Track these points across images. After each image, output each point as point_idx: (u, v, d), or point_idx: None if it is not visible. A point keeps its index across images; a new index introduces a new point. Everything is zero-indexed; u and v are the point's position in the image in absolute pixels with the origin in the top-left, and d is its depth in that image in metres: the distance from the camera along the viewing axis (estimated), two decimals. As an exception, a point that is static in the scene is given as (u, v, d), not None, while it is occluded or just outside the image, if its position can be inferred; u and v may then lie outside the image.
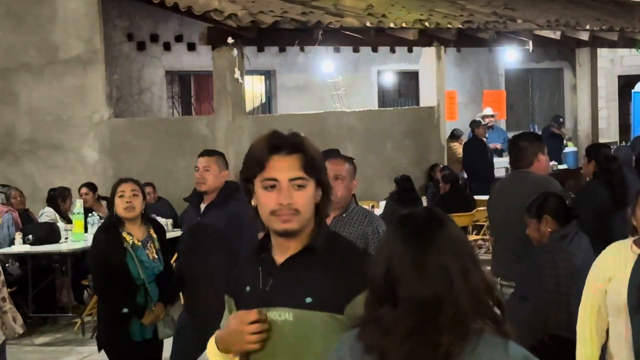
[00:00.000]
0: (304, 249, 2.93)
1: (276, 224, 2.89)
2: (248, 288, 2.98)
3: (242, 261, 3.28)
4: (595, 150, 8.12)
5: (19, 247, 10.52)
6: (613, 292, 4.45)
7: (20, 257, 10.72)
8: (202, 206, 6.35)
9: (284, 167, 2.89)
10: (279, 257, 2.95)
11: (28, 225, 11.25)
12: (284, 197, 2.87)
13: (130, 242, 6.05)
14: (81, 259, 10.48)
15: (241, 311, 2.92)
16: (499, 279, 6.20)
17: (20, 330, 6.02)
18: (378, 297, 2.44)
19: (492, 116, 17.21)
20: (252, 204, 2.96)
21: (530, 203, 5.60)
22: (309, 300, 2.85)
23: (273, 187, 2.89)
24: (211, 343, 3.01)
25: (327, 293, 2.85)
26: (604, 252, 4.63)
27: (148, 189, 10.99)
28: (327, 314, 2.84)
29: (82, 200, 11.27)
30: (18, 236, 10.69)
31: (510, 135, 18.44)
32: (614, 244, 4.65)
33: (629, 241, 4.58)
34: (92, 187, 11.89)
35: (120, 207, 6.04)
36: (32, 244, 10.43)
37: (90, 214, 10.93)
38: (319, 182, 2.95)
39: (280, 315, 2.88)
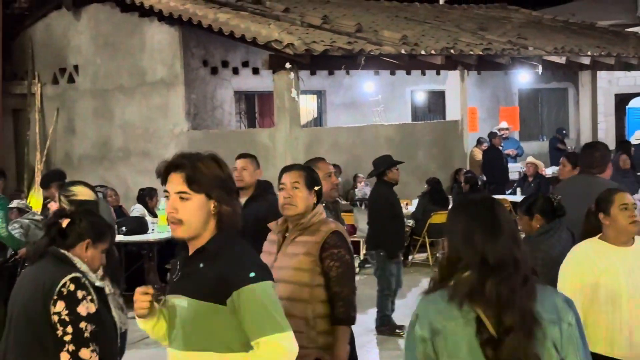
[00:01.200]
0: (197, 249, 3.04)
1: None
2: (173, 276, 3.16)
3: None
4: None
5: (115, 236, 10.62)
6: (610, 284, 4.26)
7: (116, 245, 10.82)
8: (242, 200, 6.25)
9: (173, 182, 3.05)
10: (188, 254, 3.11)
11: (121, 219, 11.34)
12: (170, 207, 3.05)
13: None
14: (165, 246, 10.56)
15: (141, 287, 3.06)
16: None
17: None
18: (463, 265, 2.58)
19: (507, 129, 17.10)
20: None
21: (523, 201, 5.47)
22: (194, 292, 2.99)
23: (167, 197, 3.08)
24: None
25: (210, 287, 2.97)
26: (581, 250, 4.41)
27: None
28: (208, 303, 2.97)
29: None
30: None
31: (522, 144, 18.33)
32: (586, 242, 4.43)
33: (595, 238, 4.42)
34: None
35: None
36: (124, 234, 10.53)
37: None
38: (208, 196, 3.01)
39: (179, 302, 3.03)
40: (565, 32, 19.08)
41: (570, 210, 5.17)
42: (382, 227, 8.58)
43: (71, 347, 3.48)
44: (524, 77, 17.58)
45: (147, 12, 13.41)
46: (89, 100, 14.83)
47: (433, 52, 13.46)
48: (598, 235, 4.43)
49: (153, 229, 10.81)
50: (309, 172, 4.36)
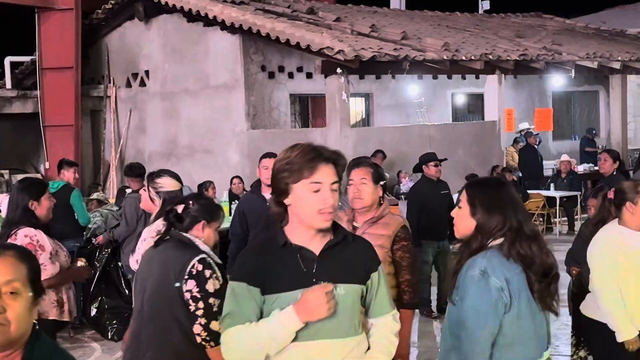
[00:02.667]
0: (335, 237, 2.86)
1: (320, 222, 2.77)
2: (282, 274, 2.78)
3: (257, 253, 2.90)
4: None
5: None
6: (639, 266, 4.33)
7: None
8: (267, 195, 5.95)
9: (329, 173, 2.79)
10: (314, 248, 2.81)
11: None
12: (327, 199, 2.77)
13: None
14: (225, 236, 10.62)
15: (317, 287, 2.69)
16: None
17: None
18: (500, 233, 3.01)
19: (529, 128, 16.83)
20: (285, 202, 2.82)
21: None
22: (348, 277, 2.83)
23: (317, 190, 2.75)
24: (284, 317, 2.70)
25: (357, 271, 2.87)
26: (612, 236, 4.43)
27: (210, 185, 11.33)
28: (360, 286, 2.88)
29: (228, 191, 11.37)
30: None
31: (555, 143, 18.04)
32: (612, 229, 4.46)
33: (618, 225, 4.46)
34: (241, 179, 11.98)
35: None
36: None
37: (235, 201, 11.04)
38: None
39: (336, 288, 2.77)
40: (597, 38, 18.75)
41: None
42: (412, 217, 8.44)
43: (203, 320, 3.61)
44: (557, 81, 17.33)
45: (211, 22, 13.49)
46: (158, 102, 14.99)
47: (473, 57, 13.33)
48: (616, 222, 4.48)
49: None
50: (375, 168, 4.39)
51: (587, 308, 4.63)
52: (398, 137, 13.68)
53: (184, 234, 3.82)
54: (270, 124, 14.18)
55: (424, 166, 8.70)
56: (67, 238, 7.35)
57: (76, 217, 8.52)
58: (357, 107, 16.03)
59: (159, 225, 4.41)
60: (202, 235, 3.85)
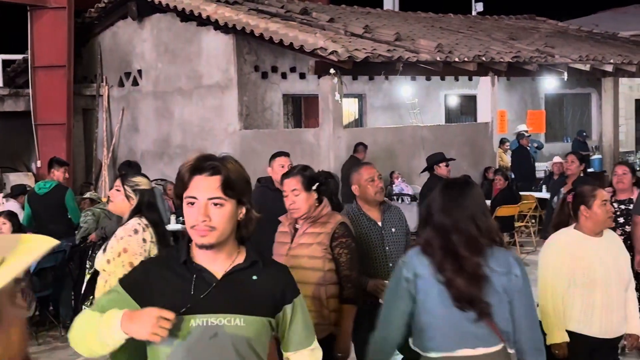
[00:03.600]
0: (243, 262, 2.58)
1: (195, 238, 2.52)
2: (167, 292, 2.50)
3: (152, 264, 2.69)
4: None
5: (174, 225, 10.70)
6: (586, 270, 4.38)
7: (174, 233, 10.90)
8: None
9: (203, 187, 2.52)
10: (217, 269, 2.54)
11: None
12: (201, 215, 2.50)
13: None
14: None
15: (157, 309, 2.40)
16: None
17: None
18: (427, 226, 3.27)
19: (526, 131, 16.86)
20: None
21: None
22: (250, 308, 2.54)
23: (192, 204, 2.52)
24: (113, 316, 2.47)
25: (265, 301, 2.59)
26: (562, 239, 4.50)
27: None
28: (263, 319, 2.58)
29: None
30: (172, 217, 10.87)
31: (548, 145, 18.09)
32: (565, 233, 4.53)
33: (571, 229, 4.52)
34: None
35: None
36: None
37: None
38: (239, 202, 2.57)
39: (230, 320, 2.49)
40: (589, 41, 18.80)
41: None
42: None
43: None
44: (550, 83, 17.35)
45: (204, 22, 13.47)
46: (151, 101, 14.95)
47: (466, 59, 13.34)
48: (572, 226, 4.54)
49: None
50: (304, 175, 4.45)
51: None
52: (391, 137, 13.68)
53: None
54: (263, 124, 14.16)
55: (435, 166, 8.77)
56: (60, 238, 7.32)
57: (69, 217, 8.52)
58: (350, 107, 16.02)
59: (135, 224, 4.48)
60: None
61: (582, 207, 4.46)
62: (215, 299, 2.50)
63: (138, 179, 4.82)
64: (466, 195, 3.23)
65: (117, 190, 4.79)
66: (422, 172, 9.75)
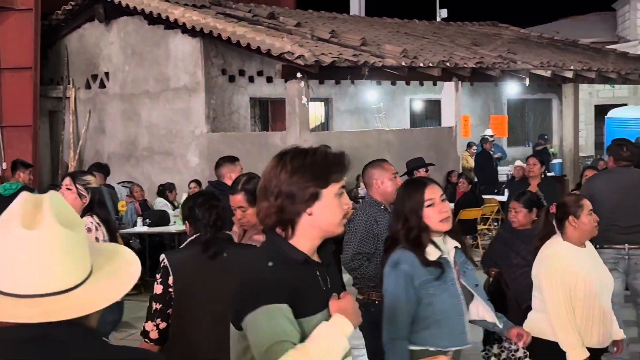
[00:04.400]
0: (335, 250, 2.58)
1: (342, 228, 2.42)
2: (308, 293, 2.33)
3: (285, 270, 2.32)
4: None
5: (140, 228, 10.65)
6: (587, 282, 4.27)
7: (140, 235, 10.86)
8: None
9: None
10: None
11: (146, 211, 11.37)
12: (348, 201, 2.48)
13: None
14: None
15: (345, 299, 2.35)
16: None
17: None
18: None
19: (492, 136, 17.05)
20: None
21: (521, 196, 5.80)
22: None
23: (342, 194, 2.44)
24: (341, 323, 2.31)
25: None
26: (557, 252, 4.35)
27: None
28: None
29: (188, 193, 11.33)
30: (139, 220, 10.82)
31: (509, 149, 18.30)
32: (558, 244, 4.37)
33: (561, 240, 4.38)
34: (199, 182, 11.96)
35: None
36: (149, 226, 10.55)
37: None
38: None
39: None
40: (551, 48, 19.04)
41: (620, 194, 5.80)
42: None
43: None
44: (512, 88, 17.55)
45: (172, 25, 13.41)
46: (118, 104, 14.84)
47: (430, 64, 13.44)
48: (559, 237, 4.40)
49: (175, 222, 10.82)
50: (247, 190, 4.22)
51: (534, 327, 4.38)
52: (357, 141, 13.73)
53: (227, 233, 3.81)
54: (230, 127, 14.13)
55: (415, 171, 8.86)
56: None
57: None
58: (316, 111, 16.05)
59: (87, 222, 4.51)
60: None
61: (571, 218, 4.36)
62: (331, 289, 2.44)
63: (88, 178, 4.84)
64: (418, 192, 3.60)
65: (68, 189, 4.78)
66: (401, 175, 9.78)
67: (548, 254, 4.39)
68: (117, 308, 4.87)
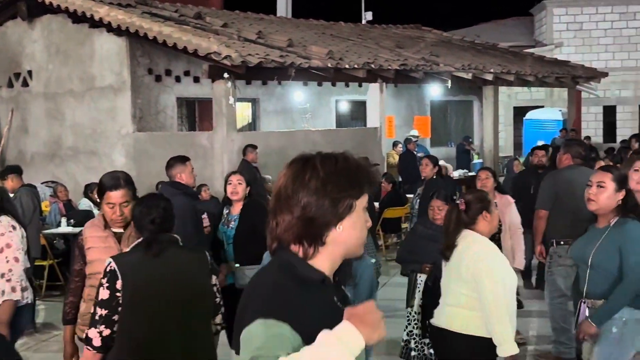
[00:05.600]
0: None
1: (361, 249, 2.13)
2: (321, 317, 1.97)
3: (303, 294, 2.00)
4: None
5: (64, 228, 10.44)
6: (512, 277, 4.37)
7: (64, 236, 10.63)
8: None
9: None
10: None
11: (70, 212, 11.15)
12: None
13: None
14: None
15: (362, 306, 1.93)
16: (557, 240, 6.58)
17: None
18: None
19: (417, 136, 17.30)
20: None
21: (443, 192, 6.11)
22: None
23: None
24: (347, 332, 1.86)
25: None
26: (492, 245, 4.45)
27: (204, 189, 10.91)
28: None
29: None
30: (63, 220, 10.60)
31: (432, 149, 18.60)
32: (480, 239, 4.44)
33: (473, 233, 4.47)
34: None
35: (229, 191, 6.08)
36: (73, 226, 10.34)
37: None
38: None
39: None
40: (472, 51, 19.42)
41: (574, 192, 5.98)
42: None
43: (222, 310, 4.00)
44: (435, 90, 17.84)
45: (97, 24, 13.17)
46: (41, 103, 14.49)
47: (356, 66, 13.55)
48: (474, 232, 4.46)
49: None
50: (130, 186, 4.35)
51: (454, 321, 4.40)
52: (284, 141, 13.74)
53: (173, 235, 3.82)
54: (156, 126, 13.96)
55: None
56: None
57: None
58: (243, 111, 16.00)
59: (8, 220, 4.53)
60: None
61: (485, 212, 4.45)
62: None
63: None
64: None
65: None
66: None
67: (485, 250, 4.41)
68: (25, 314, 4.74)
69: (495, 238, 7.14)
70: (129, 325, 3.55)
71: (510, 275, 4.35)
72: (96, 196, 11.61)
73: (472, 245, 4.42)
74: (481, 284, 4.26)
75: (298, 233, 2.01)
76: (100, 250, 4.13)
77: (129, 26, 12.58)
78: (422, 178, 9.62)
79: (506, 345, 4.19)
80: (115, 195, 4.13)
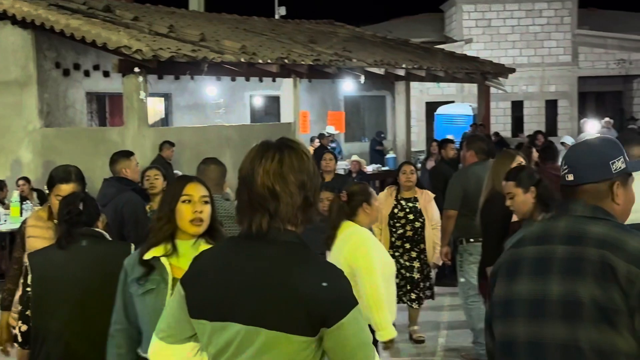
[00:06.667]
0: None
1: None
2: None
3: None
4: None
5: (9, 225, 10.10)
6: (389, 264, 4.62)
7: (11, 234, 10.25)
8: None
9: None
10: None
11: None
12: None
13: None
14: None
15: None
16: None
17: None
18: None
19: (332, 134, 17.41)
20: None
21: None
22: None
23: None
24: None
25: None
26: (369, 235, 4.65)
27: None
28: None
29: (19, 191, 10.86)
30: (-2, 216, 10.29)
31: (346, 145, 18.77)
32: (357, 228, 4.61)
33: (355, 225, 4.64)
34: (27, 180, 11.48)
35: (147, 186, 6.25)
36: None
37: (24, 202, 10.57)
38: None
39: None
40: (384, 46, 19.65)
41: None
42: None
43: None
44: (348, 85, 17.98)
45: (1, 16, 12.75)
46: (-58, 98, 13.93)
47: (269, 61, 13.53)
48: (354, 224, 4.62)
49: (5, 220, 10.34)
50: (82, 181, 4.41)
51: None
52: (197, 137, 13.61)
53: (96, 230, 3.78)
54: (65, 122, 13.62)
55: None
56: None
57: None
58: (155, 107, 15.78)
59: None
60: (101, 228, 3.86)
61: (365, 205, 4.59)
62: None
63: None
64: None
65: None
66: None
67: (363, 241, 4.55)
68: None
69: (417, 233, 7.26)
70: (37, 318, 3.65)
71: (388, 264, 4.53)
72: (4, 194, 11.31)
73: (351, 236, 4.56)
74: (359, 273, 4.40)
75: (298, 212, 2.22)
76: (38, 241, 4.22)
77: (34, 18, 12.22)
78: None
79: (384, 331, 4.39)
80: (65, 189, 4.19)
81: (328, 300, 2.09)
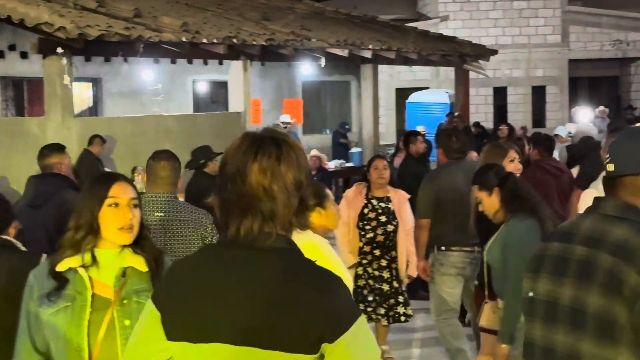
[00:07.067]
0: None
1: None
2: None
3: None
4: None
5: None
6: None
7: None
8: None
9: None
10: None
11: None
12: None
13: None
14: None
15: None
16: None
17: None
18: None
19: (289, 123, 17.44)
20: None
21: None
22: None
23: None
24: None
25: None
26: (327, 245, 4.68)
27: None
28: None
29: None
30: None
31: (305, 137, 18.78)
32: (314, 234, 4.66)
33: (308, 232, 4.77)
34: None
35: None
36: None
37: None
38: None
39: None
40: (348, 24, 19.69)
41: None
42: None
43: None
44: (307, 69, 17.99)
45: None
46: None
47: (215, 40, 13.49)
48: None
49: None
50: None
51: None
52: (131, 128, 13.51)
53: (5, 238, 3.73)
54: (-25, 112, 13.45)
55: (210, 162, 8.92)
56: None
57: None
58: (82, 93, 15.65)
59: None
60: (12, 236, 3.80)
61: (318, 208, 4.53)
62: None
63: None
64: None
65: None
66: (187, 167, 9.63)
67: (312, 249, 4.56)
68: None
69: (390, 237, 7.26)
70: None
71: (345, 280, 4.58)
72: None
73: (301, 242, 4.58)
74: None
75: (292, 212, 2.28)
76: None
77: (-62, -10, 12.04)
78: None
79: None
80: None
81: (327, 313, 2.09)
